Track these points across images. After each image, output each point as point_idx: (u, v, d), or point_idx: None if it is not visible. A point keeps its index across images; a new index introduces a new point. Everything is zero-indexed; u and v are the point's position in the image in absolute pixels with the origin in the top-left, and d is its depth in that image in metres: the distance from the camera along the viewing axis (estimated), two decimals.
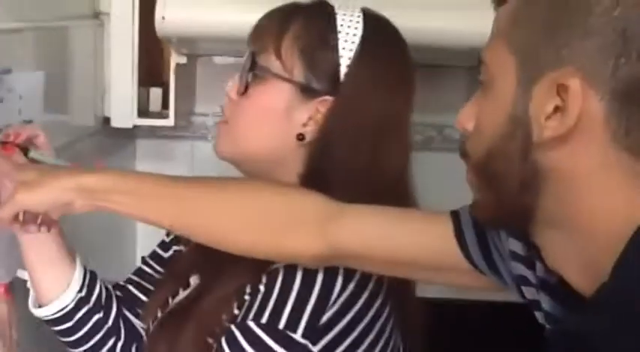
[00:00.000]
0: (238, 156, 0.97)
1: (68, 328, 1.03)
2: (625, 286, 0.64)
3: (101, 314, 1.06)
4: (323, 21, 0.93)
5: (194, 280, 1.02)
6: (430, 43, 1.32)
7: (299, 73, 0.92)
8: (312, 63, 0.92)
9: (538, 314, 0.80)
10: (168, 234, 1.15)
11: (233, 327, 0.86)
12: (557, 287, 0.75)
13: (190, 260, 1.04)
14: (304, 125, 0.93)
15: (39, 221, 0.92)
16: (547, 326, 0.78)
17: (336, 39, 0.91)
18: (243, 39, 1.35)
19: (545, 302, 0.78)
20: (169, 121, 1.54)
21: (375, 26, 0.94)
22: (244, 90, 0.95)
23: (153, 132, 1.80)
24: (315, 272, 0.86)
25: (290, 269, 0.87)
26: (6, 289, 0.99)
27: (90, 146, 1.47)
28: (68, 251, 1.02)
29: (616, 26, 0.65)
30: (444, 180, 1.78)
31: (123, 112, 1.51)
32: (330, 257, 0.86)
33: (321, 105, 0.92)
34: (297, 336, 0.84)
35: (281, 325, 0.84)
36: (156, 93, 1.57)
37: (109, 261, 1.62)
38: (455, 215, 0.88)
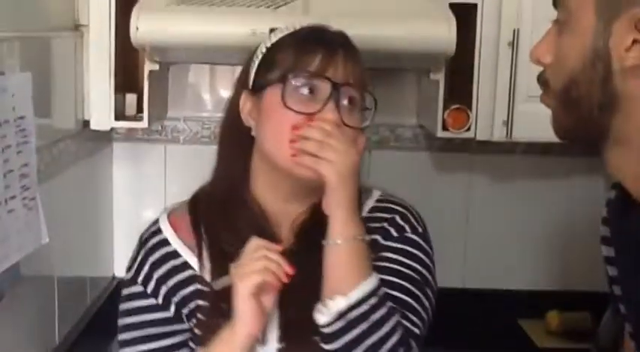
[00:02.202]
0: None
1: None
2: None
3: None
4: None
5: None
6: (383, 49, 1.47)
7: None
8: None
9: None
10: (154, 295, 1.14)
11: None
12: (617, 200, 0.91)
13: None
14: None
15: None
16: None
17: None
18: (212, 48, 1.50)
19: (611, 224, 0.94)
20: (144, 124, 1.66)
21: None
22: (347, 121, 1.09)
23: (129, 136, 1.92)
24: None
25: None
26: None
27: (71, 147, 1.58)
28: None
29: None
30: (397, 176, 1.93)
31: (101, 116, 1.63)
32: None
33: None
34: None
35: None
36: (131, 98, 1.68)
37: (86, 258, 1.75)
38: None
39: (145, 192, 1.96)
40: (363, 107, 1.12)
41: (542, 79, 0.91)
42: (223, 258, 1.09)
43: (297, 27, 1.15)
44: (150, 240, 1.16)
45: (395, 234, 1.15)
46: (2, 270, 1.11)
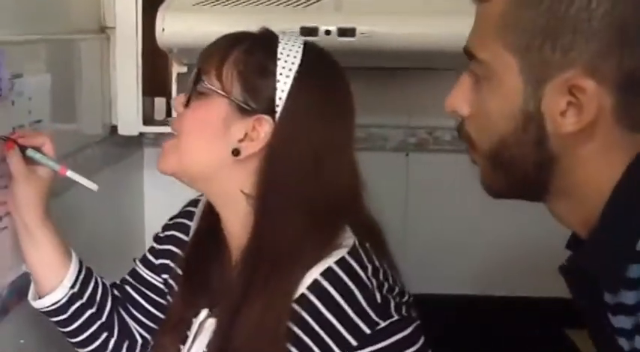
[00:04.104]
0: (181, 170, 1.03)
1: (63, 320, 1.11)
2: (607, 225, 0.78)
3: (94, 310, 1.13)
4: (264, 48, 1.00)
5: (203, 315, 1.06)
6: (419, 48, 1.40)
7: (237, 93, 0.99)
8: (248, 84, 0.98)
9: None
10: (156, 238, 1.21)
11: None
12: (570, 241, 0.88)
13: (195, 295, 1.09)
14: (240, 141, 0.98)
15: None
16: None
17: (275, 65, 0.98)
18: None
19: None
20: None
21: (313, 57, 1.01)
22: (187, 103, 1.02)
23: (159, 141, 1.85)
24: None
25: None
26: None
27: (99, 153, 1.54)
28: (64, 249, 1.09)
29: (617, 25, 0.75)
30: (437, 179, 1.87)
31: (129, 121, 1.59)
32: None
33: (258, 124, 0.97)
34: None
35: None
36: (160, 102, 1.64)
37: (115, 270, 1.69)
38: None
39: (178, 198, 1.90)
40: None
41: (463, 133, 0.86)
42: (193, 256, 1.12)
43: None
44: (188, 205, 1.20)
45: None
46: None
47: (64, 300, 1.09)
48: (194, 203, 1.19)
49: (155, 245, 1.20)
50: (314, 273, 0.96)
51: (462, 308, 1.85)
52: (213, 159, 1.00)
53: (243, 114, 0.99)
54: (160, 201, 1.90)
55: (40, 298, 1.09)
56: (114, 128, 1.60)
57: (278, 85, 0.98)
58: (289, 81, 0.98)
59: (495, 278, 1.90)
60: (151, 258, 1.19)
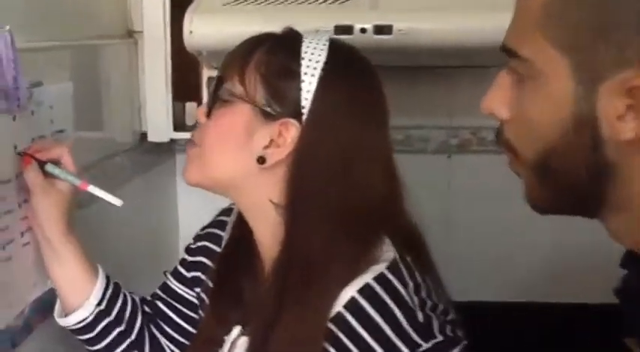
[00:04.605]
0: (207, 181, 0.98)
1: (90, 338, 1.06)
2: None
3: (122, 327, 1.07)
4: (286, 49, 0.94)
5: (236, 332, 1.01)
6: (459, 44, 1.33)
7: (260, 97, 0.93)
8: (272, 87, 0.93)
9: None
10: (187, 250, 1.16)
11: None
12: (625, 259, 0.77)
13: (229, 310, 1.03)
14: (266, 147, 0.93)
15: None
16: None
17: (299, 65, 0.92)
18: None
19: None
20: None
21: (340, 55, 0.95)
22: (209, 113, 0.97)
23: None
24: None
25: None
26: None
27: (128, 162, 1.50)
28: (90, 264, 1.04)
29: None
30: (481, 182, 1.79)
31: (159, 127, 1.55)
32: None
33: (284, 128, 0.93)
34: None
35: None
36: (191, 107, 1.58)
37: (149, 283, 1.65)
38: None
39: (213, 206, 1.85)
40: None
41: (503, 139, 0.76)
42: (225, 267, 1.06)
43: None
44: (221, 214, 1.16)
45: None
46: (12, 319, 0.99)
47: (90, 318, 1.05)
48: (227, 212, 1.14)
49: (187, 256, 1.15)
50: (350, 290, 0.89)
51: (508, 316, 1.78)
52: (239, 168, 0.95)
53: (267, 120, 0.93)
54: (194, 209, 1.85)
55: (66, 316, 1.05)
56: (144, 135, 1.56)
57: (303, 85, 0.92)
58: (315, 81, 0.92)
59: (542, 285, 1.82)
60: (182, 270, 1.14)
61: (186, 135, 1.58)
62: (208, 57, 1.47)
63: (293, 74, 0.92)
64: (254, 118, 0.94)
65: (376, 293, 0.89)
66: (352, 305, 0.88)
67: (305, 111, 0.92)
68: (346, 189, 0.92)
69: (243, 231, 1.03)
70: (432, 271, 0.97)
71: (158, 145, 1.59)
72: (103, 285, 1.06)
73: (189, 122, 1.60)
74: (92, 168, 1.31)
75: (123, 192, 1.42)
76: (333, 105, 0.93)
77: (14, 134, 0.97)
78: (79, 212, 1.16)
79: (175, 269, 1.15)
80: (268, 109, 0.93)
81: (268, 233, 0.96)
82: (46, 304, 1.06)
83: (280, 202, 0.94)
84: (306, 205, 0.93)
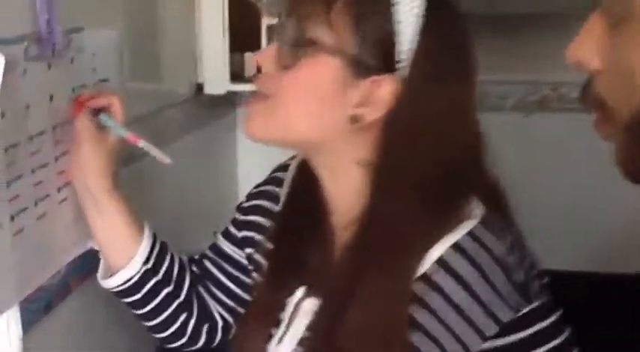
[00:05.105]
0: (281, 139, 0.88)
1: (137, 300, 1.00)
2: None
3: (171, 288, 1.02)
4: None
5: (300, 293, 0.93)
6: None
7: (351, 46, 0.82)
8: (365, 34, 0.82)
9: None
10: (239, 209, 1.08)
11: None
12: None
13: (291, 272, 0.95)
14: (357, 106, 0.83)
15: None
16: None
17: (394, 12, 0.81)
18: None
19: None
20: None
21: (437, 3, 0.84)
22: (287, 63, 0.84)
23: None
24: None
25: None
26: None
27: (183, 115, 1.45)
28: (135, 220, 0.98)
29: None
30: (561, 143, 1.68)
31: (216, 78, 1.50)
32: None
33: (379, 84, 0.83)
34: None
35: None
36: (250, 57, 1.52)
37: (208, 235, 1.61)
38: None
39: (274, 163, 1.79)
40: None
41: (591, 95, 0.65)
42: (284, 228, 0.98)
43: None
44: (276, 171, 1.07)
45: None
46: (46, 280, 0.94)
47: (136, 277, 0.99)
48: (283, 168, 1.05)
49: (238, 216, 1.07)
50: (438, 250, 0.82)
51: (592, 285, 1.68)
52: (325, 128, 0.85)
53: (359, 74, 0.82)
54: (255, 167, 1.79)
55: (110, 276, 0.99)
56: (200, 87, 1.51)
57: (401, 37, 0.81)
58: (411, 30, 0.81)
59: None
60: (233, 230, 1.07)
61: (244, 87, 1.53)
62: (268, 3, 1.41)
63: (387, 20, 0.82)
64: (345, 71, 0.82)
65: (467, 252, 0.82)
66: (440, 267, 0.82)
67: (402, 65, 0.82)
68: (440, 149, 0.84)
69: (307, 189, 0.95)
70: (517, 230, 0.89)
71: (215, 98, 1.54)
72: (150, 243, 1.00)
73: (248, 73, 1.55)
74: (144, 120, 1.26)
75: (177, 148, 1.39)
76: (434, 59, 0.83)
77: (50, 83, 0.90)
78: (131, 166, 1.11)
79: (226, 229, 1.09)
80: (361, 61, 0.82)
81: (347, 193, 0.88)
82: (86, 264, 1.01)
83: (367, 163, 0.85)
84: (398, 166, 0.84)
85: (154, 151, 0.97)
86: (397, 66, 0.81)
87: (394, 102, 0.82)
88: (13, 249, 0.84)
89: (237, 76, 1.51)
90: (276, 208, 1.01)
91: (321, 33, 0.82)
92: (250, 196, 1.07)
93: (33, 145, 0.87)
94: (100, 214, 0.96)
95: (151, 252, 0.99)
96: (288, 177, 1.02)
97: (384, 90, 0.82)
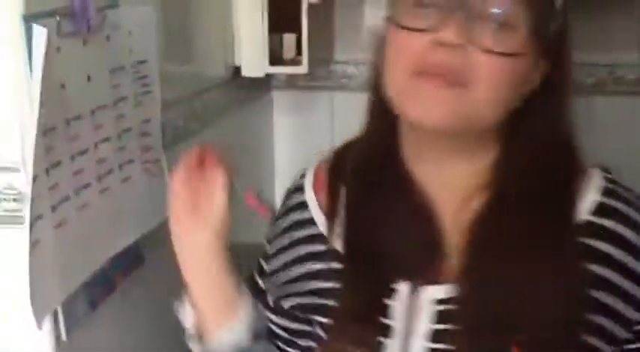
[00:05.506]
0: (463, 128, 0.80)
1: None
2: None
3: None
4: None
5: None
6: None
7: (535, 27, 0.78)
8: (540, 16, 0.78)
9: None
10: (268, 261, 0.96)
11: None
12: None
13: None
14: (522, 86, 0.81)
15: None
16: None
17: None
18: None
19: None
20: (303, 68, 1.46)
21: None
22: (489, 45, 0.76)
23: (290, 83, 1.71)
24: None
25: None
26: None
27: (220, 97, 1.40)
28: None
29: None
30: (618, 127, 1.60)
31: (254, 60, 1.45)
32: None
33: (536, 65, 0.81)
34: None
35: None
36: (289, 39, 1.47)
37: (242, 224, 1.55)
38: None
39: (311, 147, 1.73)
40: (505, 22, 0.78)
41: None
42: (360, 222, 0.87)
43: None
44: (291, 198, 0.95)
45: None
46: (115, 253, 0.90)
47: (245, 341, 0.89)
48: (294, 192, 0.95)
49: (268, 268, 0.95)
50: (588, 199, 0.82)
51: None
52: (505, 112, 0.80)
53: (543, 55, 0.80)
54: (292, 150, 1.74)
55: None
56: (237, 69, 1.46)
57: (555, 18, 0.79)
58: (560, 10, 0.80)
59: None
60: (272, 301, 0.94)
61: (282, 69, 1.46)
62: None
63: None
64: (530, 55, 0.79)
65: (616, 191, 0.83)
66: (601, 210, 0.82)
67: (553, 46, 0.80)
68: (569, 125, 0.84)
69: (376, 186, 0.87)
70: None
71: (253, 80, 1.49)
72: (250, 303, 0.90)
73: (287, 56, 1.50)
74: (180, 103, 1.21)
75: (214, 131, 1.33)
76: (570, 38, 0.83)
77: (87, 61, 0.85)
78: (167, 151, 1.05)
79: (265, 301, 0.94)
80: (547, 43, 0.80)
81: (470, 172, 0.84)
82: (129, 258, 0.96)
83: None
84: (533, 141, 0.83)
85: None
86: (550, 46, 0.80)
87: (544, 84, 0.81)
88: (56, 243, 0.78)
89: (275, 58, 1.46)
90: (316, 230, 0.90)
91: (518, 9, 0.77)
92: (274, 236, 0.95)
93: (71, 129, 0.81)
94: (208, 273, 0.88)
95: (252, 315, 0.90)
96: (307, 184, 0.93)
97: (541, 69, 0.80)
